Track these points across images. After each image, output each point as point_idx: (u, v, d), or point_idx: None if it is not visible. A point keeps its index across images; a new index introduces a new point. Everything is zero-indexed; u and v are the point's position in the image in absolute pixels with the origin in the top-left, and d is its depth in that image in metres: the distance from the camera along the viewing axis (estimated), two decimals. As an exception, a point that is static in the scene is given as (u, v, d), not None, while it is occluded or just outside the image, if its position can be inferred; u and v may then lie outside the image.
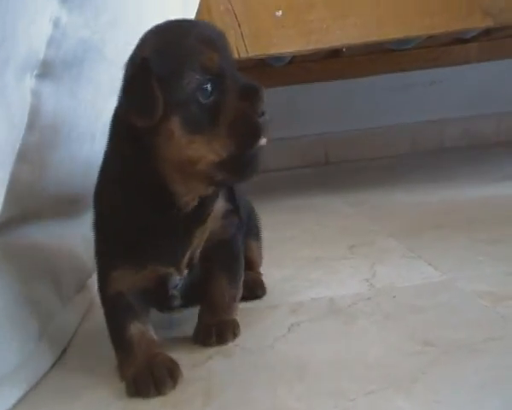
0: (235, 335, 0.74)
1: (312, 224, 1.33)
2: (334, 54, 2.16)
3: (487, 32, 2.05)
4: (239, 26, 1.42)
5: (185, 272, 0.70)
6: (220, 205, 0.72)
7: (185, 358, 0.69)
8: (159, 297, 0.72)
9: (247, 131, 0.61)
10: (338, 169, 2.34)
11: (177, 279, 0.70)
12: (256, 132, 0.62)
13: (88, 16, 0.69)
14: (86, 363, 0.73)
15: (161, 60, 0.61)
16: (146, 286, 0.69)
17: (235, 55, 1.45)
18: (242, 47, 1.43)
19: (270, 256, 0.95)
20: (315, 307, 0.82)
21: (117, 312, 0.69)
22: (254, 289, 0.88)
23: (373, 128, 2.53)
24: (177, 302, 0.73)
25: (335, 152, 2.51)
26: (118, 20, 0.76)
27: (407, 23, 1.49)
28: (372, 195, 1.65)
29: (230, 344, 0.72)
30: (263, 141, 0.63)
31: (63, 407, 0.63)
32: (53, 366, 0.72)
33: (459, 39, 2.25)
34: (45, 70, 0.67)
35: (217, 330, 0.74)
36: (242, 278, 0.78)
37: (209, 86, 0.61)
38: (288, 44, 1.46)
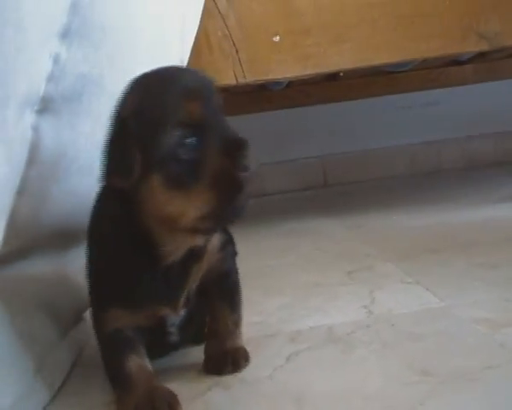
0: (246, 361, 0.74)
1: (310, 249, 1.33)
2: (332, 77, 2.18)
3: (483, 55, 2.07)
4: (237, 52, 1.43)
5: (182, 310, 0.70)
6: (215, 238, 0.72)
7: (184, 390, 0.69)
8: (156, 335, 0.71)
9: (228, 186, 0.60)
10: (336, 191, 2.34)
11: (175, 317, 0.70)
12: (237, 188, 0.60)
13: (87, 51, 0.70)
14: (84, 399, 0.73)
15: (140, 119, 0.60)
16: (143, 324, 0.69)
17: (233, 81, 1.47)
18: (240, 72, 1.45)
19: (268, 283, 0.95)
20: (313, 335, 0.82)
21: (113, 347, 0.69)
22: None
23: (371, 150, 2.54)
24: (174, 339, 0.73)
25: (334, 174, 2.52)
26: (116, 52, 0.77)
27: (403, 47, 1.50)
28: (370, 218, 1.65)
29: (229, 376, 0.72)
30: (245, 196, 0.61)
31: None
32: (51, 401, 0.72)
33: (455, 61, 2.27)
34: (45, 105, 0.67)
35: (231, 358, 0.73)
36: (242, 303, 0.77)
37: (190, 141, 0.60)
38: (285, 70, 1.48)
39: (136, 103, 0.61)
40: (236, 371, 0.73)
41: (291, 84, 2.14)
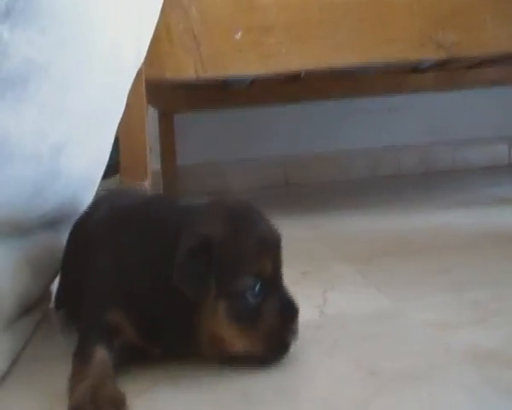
0: None
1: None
2: (294, 77, 2.18)
3: (442, 64, 2.10)
4: (198, 45, 1.42)
5: None
6: None
7: (129, 385, 0.67)
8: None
9: (277, 344, 0.70)
10: (297, 191, 2.35)
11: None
12: (284, 349, 0.70)
13: (33, 35, 0.68)
14: (26, 393, 0.70)
15: (223, 250, 0.67)
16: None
17: (193, 76, 1.46)
18: (201, 67, 1.44)
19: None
20: (263, 333, 0.81)
21: (95, 332, 0.70)
22: None
23: (332, 151, 2.56)
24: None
25: (295, 174, 2.53)
26: (66, 41, 0.74)
27: (364, 50, 1.51)
28: (329, 219, 1.66)
29: (176, 371, 0.71)
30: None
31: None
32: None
33: (416, 69, 2.31)
34: None
35: None
36: None
37: (258, 289, 0.68)
38: (246, 67, 1.47)
39: (225, 234, 0.68)
40: None
41: (253, 82, 2.14)
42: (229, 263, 0.67)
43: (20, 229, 0.82)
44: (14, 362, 0.78)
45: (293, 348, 0.74)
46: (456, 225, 1.45)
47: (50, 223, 0.92)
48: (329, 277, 1.07)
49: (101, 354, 0.67)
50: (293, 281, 1.03)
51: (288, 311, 0.71)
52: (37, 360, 0.79)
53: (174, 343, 0.71)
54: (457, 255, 1.15)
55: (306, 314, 0.86)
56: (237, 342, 0.68)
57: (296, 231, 1.51)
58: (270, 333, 0.69)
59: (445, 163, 2.63)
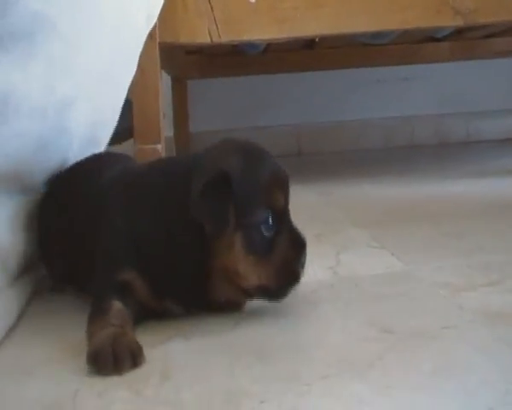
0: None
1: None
2: (309, 45, 2.17)
3: (459, 32, 2.08)
4: (212, 10, 1.41)
5: None
6: None
7: (144, 337, 0.68)
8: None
9: (288, 276, 0.72)
10: (310, 160, 2.35)
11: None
12: (295, 281, 0.72)
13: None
14: (37, 341, 0.72)
15: (242, 184, 0.69)
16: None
17: (208, 40, 1.46)
18: (215, 32, 1.43)
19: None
20: (277, 292, 0.82)
21: (110, 289, 0.70)
22: None
23: (345, 121, 2.54)
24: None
25: (308, 143, 2.52)
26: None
27: (379, 16, 1.50)
28: (342, 186, 1.66)
29: (190, 326, 0.71)
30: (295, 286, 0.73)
31: (15, 385, 0.62)
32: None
33: (432, 38, 2.28)
34: None
35: None
36: None
37: (271, 222, 0.70)
38: (260, 31, 1.46)
39: (242, 168, 0.70)
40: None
41: (267, 49, 2.12)
42: (245, 196, 0.69)
43: (24, 185, 0.82)
44: (19, 317, 0.79)
45: (306, 307, 0.75)
46: (469, 193, 1.45)
47: None
48: (342, 240, 1.08)
49: (118, 306, 0.69)
50: (307, 243, 1.05)
51: (298, 244, 0.73)
52: (42, 315, 0.81)
53: (187, 297, 0.72)
54: (470, 222, 1.15)
55: (319, 275, 0.88)
56: (252, 274, 0.70)
57: (309, 197, 1.52)
58: (282, 265, 0.71)
59: (459, 135, 2.62)
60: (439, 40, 2.31)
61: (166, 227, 0.72)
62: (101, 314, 0.67)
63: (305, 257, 0.74)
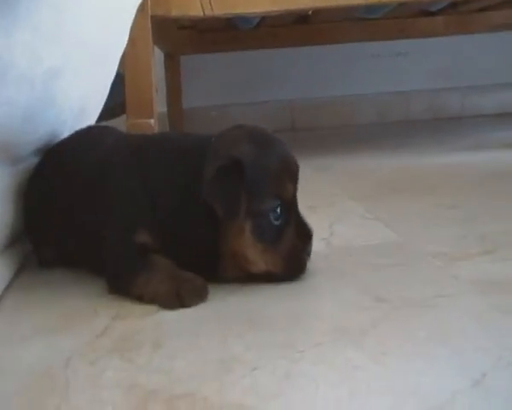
0: None
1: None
2: (303, 20, 2.15)
3: (454, 6, 2.06)
4: (204, -18, 1.39)
5: None
6: None
7: (136, 309, 0.68)
8: None
9: (295, 264, 0.74)
10: (304, 136, 2.34)
11: None
12: (301, 269, 0.74)
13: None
14: (26, 312, 0.72)
15: (253, 170, 0.69)
16: None
17: (200, 13, 1.44)
18: (208, 5, 1.41)
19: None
20: (270, 263, 0.81)
21: (132, 251, 0.72)
22: None
23: (339, 96, 2.53)
24: None
25: (302, 119, 2.51)
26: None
27: (374, -12, 1.48)
28: (336, 161, 1.66)
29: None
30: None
31: (7, 353, 0.61)
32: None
33: (426, 12, 2.26)
34: None
35: None
36: None
37: (279, 211, 0.71)
38: (254, 4, 1.45)
39: (254, 156, 0.71)
40: None
41: (260, 24, 2.10)
42: (257, 184, 0.70)
43: (10, 156, 0.81)
44: (7, 288, 0.78)
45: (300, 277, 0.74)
46: (465, 165, 1.45)
47: (40, 151, 0.90)
48: (336, 212, 1.07)
49: (156, 257, 0.71)
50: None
51: (305, 233, 0.74)
52: (30, 287, 0.80)
53: (196, 264, 0.72)
54: (465, 193, 1.15)
55: (314, 246, 0.87)
56: (260, 261, 0.72)
57: (304, 172, 1.50)
58: (290, 254, 0.73)
59: (454, 109, 2.61)
60: (433, 14, 2.29)
61: (181, 199, 0.73)
62: (143, 273, 0.70)
63: (311, 247, 0.75)
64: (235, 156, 0.70)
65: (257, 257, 0.71)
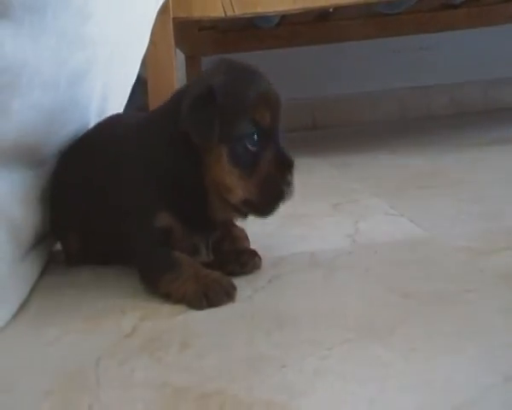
0: (260, 259, 0.81)
1: (297, 184, 1.32)
2: (323, 17, 2.14)
3: (476, -3, 2.04)
4: (225, -17, 1.40)
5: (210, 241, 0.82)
6: None
7: (163, 308, 0.69)
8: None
9: (273, 193, 0.74)
10: (325, 133, 2.33)
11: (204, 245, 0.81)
12: (278, 197, 0.74)
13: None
14: (54, 313, 0.72)
15: (228, 97, 0.71)
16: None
17: (222, 14, 1.44)
18: (229, 5, 1.42)
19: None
20: (296, 260, 0.82)
21: (162, 240, 0.75)
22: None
23: (360, 93, 2.52)
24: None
25: (323, 116, 2.51)
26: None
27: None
28: (358, 157, 1.65)
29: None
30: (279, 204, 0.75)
31: (38, 354, 0.62)
32: (9, 321, 0.71)
33: (448, 5, 2.24)
34: (2, 9, 0.65)
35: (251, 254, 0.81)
36: None
37: (256, 137, 0.72)
38: (274, 3, 1.45)
39: (227, 82, 0.72)
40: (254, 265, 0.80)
41: (281, 23, 2.10)
42: (230, 109, 0.71)
43: (34, 159, 0.82)
44: (35, 288, 0.80)
45: (325, 274, 0.74)
46: (489, 160, 1.43)
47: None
48: (360, 209, 1.07)
49: (180, 255, 0.74)
50: (325, 213, 1.05)
51: (284, 163, 0.74)
52: (56, 287, 0.81)
53: (195, 217, 0.76)
54: (490, 188, 1.14)
55: (338, 242, 0.87)
56: (236, 187, 0.73)
57: (325, 169, 1.51)
58: (266, 181, 0.73)
59: (477, 103, 2.58)
60: (455, 7, 2.27)
61: (170, 149, 0.76)
62: (170, 272, 0.71)
63: (291, 176, 0.74)
64: (207, 84, 0.72)
65: (234, 183, 0.73)
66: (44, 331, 0.67)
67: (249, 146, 0.72)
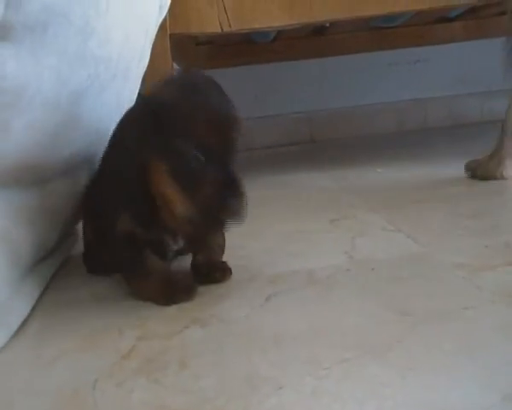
0: (231, 273, 0.83)
1: (294, 199, 1.33)
2: (320, 31, 2.15)
3: (473, 11, 2.05)
4: (221, -1, 1.40)
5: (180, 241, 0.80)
6: None
7: (161, 327, 0.69)
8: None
9: (212, 215, 0.70)
10: (323, 147, 2.33)
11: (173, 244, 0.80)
12: (217, 223, 0.72)
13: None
14: (53, 332, 0.72)
15: (167, 113, 0.69)
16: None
17: (218, 30, 1.45)
18: (225, 21, 1.42)
19: (251, 229, 0.94)
20: (293, 278, 0.81)
21: (130, 245, 0.76)
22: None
23: (357, 106, 2.52)
24: (172, 255, 0.82)
25: (320, 130, 2.51)
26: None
27: (391, -1, 1.48)
28: (355, 171, 1.65)
29: (207, 314, 0.71)
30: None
31: (35, 376, 0.62)
32: (6, 344, 0.70)
33: (444, 18, 2.25)
34: (4, 33, 0.65)
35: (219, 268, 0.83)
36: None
37: (201, 157, 0.69)
38: (271, 19, 1.45)
39: (172, 100, 0.70)
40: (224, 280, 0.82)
41: (277, 37, 2.11)
42: (172, 126, 0.69)
43: (37, 178, 0.83)
44: (34, 307, 0.79)
45: (322, 291, 0.74)
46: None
47: (67, 171, 0.92)
48: (357, 224, 1.07)
49: (150, 259, 0.77)
50: (322, 228, 1.05)
51: (228, 185, 0.70)
52: (56, 306, 0.81)
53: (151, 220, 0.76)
54: (486, 202, 1.14)
55: (335, 259, 0.87)
56: (177, 203, 0.70)
57: (322, 183, 1.51)
58: (207, 202, 0.69)
59: (473, 116, 2.59)
60: (451, 20, 2.28)
61: (127, 154, 0.75)
62: (139, 278, 0.77)
63: (235, 200, 0.70)
64: (148, 99, 0.72)
65: (175, 198, 0.70)
66: (42, 352, 0.66)
67: (192, 163, 0.69)
